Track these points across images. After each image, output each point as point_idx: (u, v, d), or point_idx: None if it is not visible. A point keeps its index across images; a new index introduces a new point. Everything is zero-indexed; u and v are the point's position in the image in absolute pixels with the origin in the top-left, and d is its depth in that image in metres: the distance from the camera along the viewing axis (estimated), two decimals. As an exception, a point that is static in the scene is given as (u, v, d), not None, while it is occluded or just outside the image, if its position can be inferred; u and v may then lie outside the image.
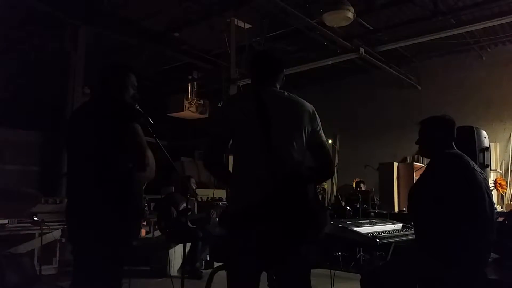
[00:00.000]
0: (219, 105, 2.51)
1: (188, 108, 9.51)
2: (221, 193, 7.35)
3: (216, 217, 5.59)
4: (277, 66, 2.28)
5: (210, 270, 3.61)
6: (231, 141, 2.16)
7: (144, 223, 6.80)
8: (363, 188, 7.58)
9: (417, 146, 2.72)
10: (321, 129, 2.21)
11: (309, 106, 2.19)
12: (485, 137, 4.69)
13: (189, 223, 5.33)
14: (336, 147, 10.54)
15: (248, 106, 2.11)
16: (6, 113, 7.42)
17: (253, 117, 2.05)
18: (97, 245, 2.29)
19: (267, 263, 2.08)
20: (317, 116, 2.20)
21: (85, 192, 2.34)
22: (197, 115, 9.76)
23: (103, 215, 2.27)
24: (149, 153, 2.40)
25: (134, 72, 2.66)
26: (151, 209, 6.69)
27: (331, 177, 2.26)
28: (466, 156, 2.50)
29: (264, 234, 1.94)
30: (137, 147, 2.35)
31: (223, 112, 2.24)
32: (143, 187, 2.73)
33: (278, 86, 2.23)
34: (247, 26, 7.70)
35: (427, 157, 2.76)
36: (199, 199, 6.44)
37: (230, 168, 2.21)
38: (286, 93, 2.19)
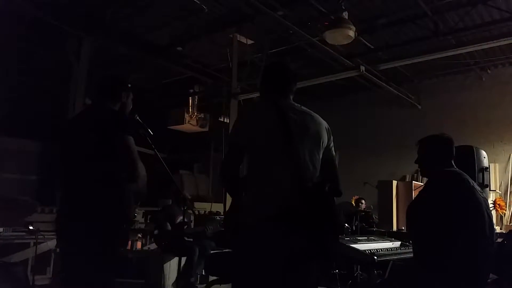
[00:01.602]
0: (240, 116, 2.44)
1: (189, 121, 9.54)
2: (219, 207, 7.31)
3: (212, 232, 5.53)
4: (292, 77, 2.27)
5: (204, 285, 3.57)
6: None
7: (140, 235, 6.75)
8: (363, 206, 7.54)
9: (417, 165, 2.71)
10: (334, 147, 2.22)
11: (325, 123, 2.21)
12: (484, 157, 4.69)
13: (185, 237, 5.29)
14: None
15: (267, 116, 2.08)
16: (6, 122, 7.44)
17: (274, 127, 2.02)
18: (85, 253, 2.28)
19: (286, 275, 2.00)
20: (331, 132, 2.22)
21: (74, 200, 2.35)
22: (198, 129, 9.78)
23: (91, 223, 2.26)
24: (140, 165, 2.39)
25: (131, 84, 2.67)
26: (147, 221, 6.65)
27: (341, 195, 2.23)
28: (466, 175, 2.49)
29: (285, 246, 1.89)
30: (128, 158, 2.35)
31: (243, 123, 2.20)
32: (138, 200, 2.73)
33: (291, 98, 2.22)
34: (249, 42, 7.77)
35: (426, 176, 2.74)
36: (197, 213, 6.41)
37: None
38: (302, 107, 2.18)
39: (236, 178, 2.15)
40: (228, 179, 2.17)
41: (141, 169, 2.38)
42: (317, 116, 2.20)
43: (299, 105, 2.19)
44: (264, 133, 2.05)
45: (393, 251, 3.06)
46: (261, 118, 2.10)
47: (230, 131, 2.23)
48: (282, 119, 2.03)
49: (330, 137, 2.19)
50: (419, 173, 2.76)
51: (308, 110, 2.19)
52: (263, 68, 2.38)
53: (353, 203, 7.98)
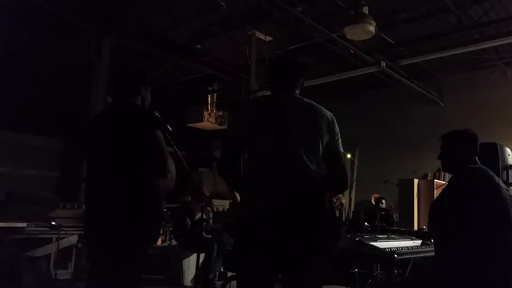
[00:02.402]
0: (239, 111, 2.44)
1: (207, 119, 9.58)
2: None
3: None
4: (296, 71, 2.22)
5: (222, 282, 3.57)
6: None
7: (161, 232, 6.82)
8: (383, 205, 7.43)
9: (439, 163, 2.63)
10: (340, 139, 2.14)
11: (328, 114, 2.12)
12: (509, 155, 4.55)
13: (204, 233, 5.31)
14: (355, 161, 10.40)
15: (265, 110, 2.06)
16: (30, 119, 7.61)
17: (269, 121, 2.00)
18: (116, 250, 2.29)
19: (277, 273, 2.01)
20: (336, 125, 2.12)
21: (104, 197, 2.34)
22: (216, 126, 9.81)
23: (122, 219, 2.27)
24: (170, 160, 2.40)
25: (149, 81, 2.68)
26: (167, 217, 6.70)
27: (345, 189, 2.16)
28: (491, 171, 2.42)
29: (276, 242, 1.87)
30: (159, 154, 2.35)
31: (240, 116, 2.21)
32: (164, 194, 2.74)
33: (297, 92, 2.18)
34: (268, 38, 7.73)
35: (449, 172, 2.67)
36: (215, 210, 6.43)
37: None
38: (304, 99, 2.13)
39: (234, 173, 2.14)
40: (225, 174, 2.16)
41: (171, 163, 2.39)
42: (320, 108, 2.12)
43: (303, 98, 2.14)
44: (259, 128, 2.03)
45: (414, 250, 2.99)
46: (258, 112, 2.10)
47: (228, 127, 2.26)
48: (278, 113, 2.01)
49: (334, 129, 2.10)
50: (441, 169, 2.69)
51: (311, 102, 2.12)
52: (268, 62, 2.35)
53: (373, 202, 7.88)
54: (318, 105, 2.15)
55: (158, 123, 2.45)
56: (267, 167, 2.00)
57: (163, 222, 2.82)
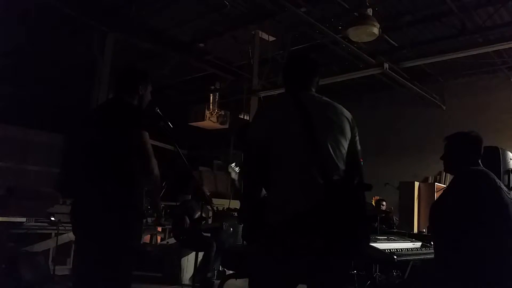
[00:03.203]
0: (258, 111, 2.29)
1: (209, 118, 9.56)
2: (237, 204, 7.31)
3: (228, 228, 5.54)
4: (314, 69, 2.19)
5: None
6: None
7: (159, 230, 6.82)
8: (384, 207, 7.41)
9: (440, 167, 2.63)
10: (358, 139, 2.11)
11: (349, 114, 2.10)
12: (510, 159, 4.53)
13: (203, 232, 5.30)
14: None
15: (287, 109, 1.99)
16: (32, 115, 7.61)
17: (294, 121, 1.94)
18: (97, 246, 2.30)
19: (309, 275, 1.92)
20: (355, 124, 2.10)
21: (87, 192, 2.38)
22: (218, 125, 9.80)
23: (103, 214, 2.28)
24: (154, 161, 2.41)
25: (150, 79, 2.68)
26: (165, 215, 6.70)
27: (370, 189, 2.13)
28: (492, 174, 2.41)
29: (314, 245, 1.80)
30: (143, 153, 2.37)
31: (261, 116, 2.12)
32: (157, 194, 2.74)
33: (313, 90, 2.14)
34: (271, 38, 7.74)
35: (451, 174, 2.67)
36: (215, 209, 6.42)
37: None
38: (325, 98, 2.09)
39: (260, 176, 2.02)
40: (252, 178, 2.04)
41: (154, 164, 2.40)
42: (341, 107, 2.09)
43: (322, 96, 2.10)
44: (284, 128, 1.95)
45: (413, 252, 2.98)
46: (281, 112, 2.02)
47: (249, 128, 2.13)
48: (303, 112, 1.95)
49: (354, 129, 2.07)
50: (444, 170, 2.67)
51: (331, 101, 2.08)
52: (285, 60, 2.30)
53: (373, 204, 7.86)
54: (338, 104, 2.11)
55: (145, 122, 2.45)
56: (298, 168, 1.91)
57: (144, 220, 2.82)
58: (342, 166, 1.95)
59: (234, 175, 3.31)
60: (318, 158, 1.88)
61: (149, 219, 5.28)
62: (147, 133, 2.40)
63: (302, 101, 1.99)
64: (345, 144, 2.01)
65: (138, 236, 2.83)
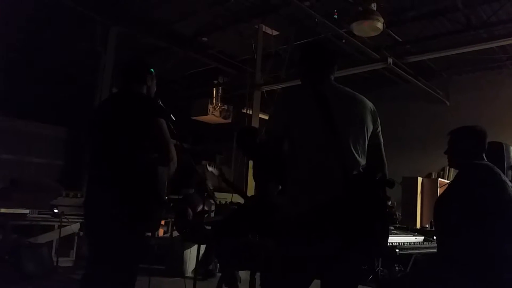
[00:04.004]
0: (276, 102, 2.20)
1: (212, 112, 9.56)
2: (239, 198, 7.31)
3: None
4: (333, 56, 2.12)
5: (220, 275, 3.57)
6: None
7: (163, 223, 6.83)
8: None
9: (443, 162, 2.62)
10: (381, 131, 2.05)
11: (370, 104, 2.04)
12: (515, 154, 4.51)
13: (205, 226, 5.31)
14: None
15: (307, 99, 1.93)
16: (36, 108, 7.63)
17: (314, 111, 1.87)
18: (114, 236, 2.28)
19: (326, 270, 1.87)
20: (377, 115, 2.04)
21: (104, 184, 2.34)
22: (221, 120, 9.79)
23: (123, 206, 2.27)
24: (173, 148, 2.39)
25: (155, 68, 2.67)
26: (168, 206, 6.71)
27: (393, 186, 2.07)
28: (497, 168, 2.40)
29: (330, 240, 1.76)
30: (161, 141, 2.35)
31: (279, 107, 2.06)
32: (166, 183, 2.73)
33: (332, 78, 2.06)
34: (275, 33, 7.71)
35: (455, 168, 2.65)
36: (218, 202, 6.42)
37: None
38: (346, 88, 2.02)
39: (275, 168, 2.04)
40: (264, 169, 2.06)
41: (174, 152, 2.38)
42: (362, 97, 2.02)
43: (341, 86, 2.03)
44: (303, 119, 1.90)
45: (416, 246, 2.99)
46: (299, 102, 1.95)
47: (267, 121, 2.08)
48: (322, 102, 1.87)
49: (377, 120, 2.02)
50: (448, 165, 2.66)
51: (351, 91, 2.02)
52: (301, 49, 2.18)
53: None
54: (359, 94, 2.04)
55: (161, 111, 2.44)
56: (317, 161, 1.86)
57: (164, 210, 2.82)
58: (362, 160, 1.89)
59: (208, 175, 3.30)
60: (338, 153, 1.82)
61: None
62: (163, 121, 2.39)
63: (322, 93, 1.92)
64: (366, 137, 1.94)
65: (157, 226, 2.80)
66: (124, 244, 2.28)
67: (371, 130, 1.97)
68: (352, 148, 1.87)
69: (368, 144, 1.96)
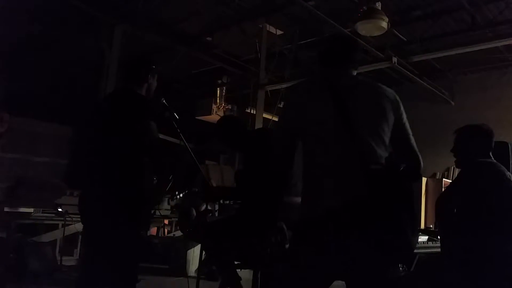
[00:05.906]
0: (287, 96, 2.10)
1: (216, 112, 9.54)
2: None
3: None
4: (352, 45, 2.01)
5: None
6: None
7: (166, 223, 6.84)
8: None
9: (448, 162, 2.61)
10: (407, 121, 1.92)
11: (392, 93, 1.91)
12: (520, 154, 4.49)
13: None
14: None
15: (320, 92, 1.83)
16: (40, 106, 7.66)
17: (328, 105, 1.77)
18: (105, 237, 2.31)
19: (347, 272, 1.73)
20: (401, 105, 1.91)
21: (95, 182, 2.39)
22: (224, 120, 9.77)
23: (110, 204, 2.29)
24: (162, 151, 2.46)
25: (157, 66, 2.67)
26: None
27: (417, 180, 1.92)
28: (503, 166, 2.38)
29: (350, 241, 1.64)
30: (151, 143, 2.39)
31: (290, 101, 1.96)
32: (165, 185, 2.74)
33: (352, 69, 1.95)
34: (279, 32, 7.69)
35: (462, 167, 2.63)
36: (221, 202, 6.42)
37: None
38: (362, 78, 1.93)
39: (289, 167, 1.85)
40: (281, 170, 1.85)
41: (162, 155, 2.40)
42: (381, 86, 1.90)
43: (357, 76, 1.94)
44: (316, 113, 1.79)
45: (420, 245, 2.96)
46: (312, 95, 1.84)
47: (278, 118, 1.98)
48: (336, 94, 1.77)
49: (400, 109, 1.89)
50: (455, 165, 2.63)
51: (370, 80, 1.92)
52: (322, 41, 2.15)
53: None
54: (379, 83, 1.93)
55: (152, 113, 2.46)
56: (331, 159, 1.75)
57: (152, 211, 2.84)
58: (383, 153, 1.76)
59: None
60: (355, 148, 1.70)
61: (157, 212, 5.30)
62: (155, 124, 2.40)
63: (336, 84, 1.82)
64: (387, 128, 1.81)
65: (145, 227, 2.84)
66: (116, 242, 2.31)
67: (393, 121, 1.85)
68: (371, 142, 1.75)
69: (394, 137, 1.85)
